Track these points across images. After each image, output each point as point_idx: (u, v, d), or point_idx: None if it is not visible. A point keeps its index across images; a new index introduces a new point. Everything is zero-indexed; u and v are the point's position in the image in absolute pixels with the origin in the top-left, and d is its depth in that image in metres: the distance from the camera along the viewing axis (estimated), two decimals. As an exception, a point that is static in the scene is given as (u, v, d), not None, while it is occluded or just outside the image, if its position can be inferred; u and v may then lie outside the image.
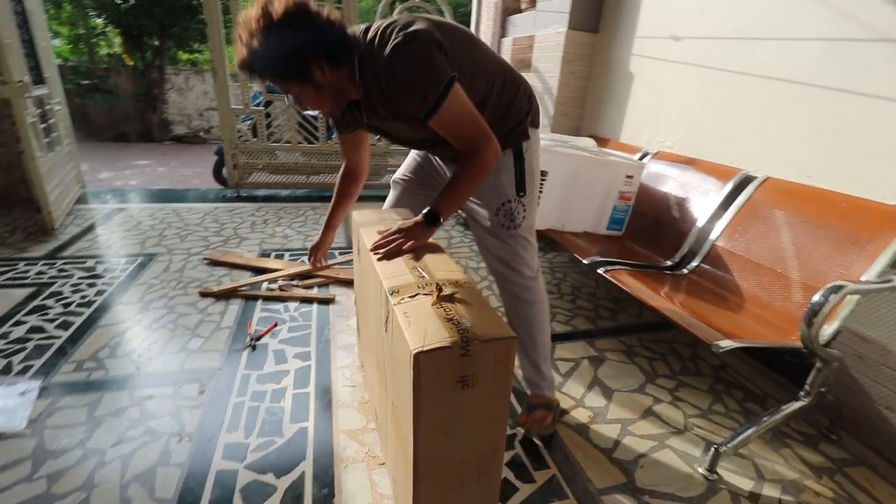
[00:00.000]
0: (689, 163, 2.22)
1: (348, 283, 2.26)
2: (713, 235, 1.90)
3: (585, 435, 1.41)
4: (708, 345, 1.22)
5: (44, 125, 2.96)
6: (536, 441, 1.37)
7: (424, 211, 1.16)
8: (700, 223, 1.98)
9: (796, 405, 1.35)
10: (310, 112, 3.28)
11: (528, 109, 1.30)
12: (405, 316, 0.86)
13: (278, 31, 0.98)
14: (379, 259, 1.10)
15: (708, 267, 1.86)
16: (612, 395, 1.60)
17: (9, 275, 2.21)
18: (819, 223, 1.58)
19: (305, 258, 2.28)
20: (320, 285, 2.27)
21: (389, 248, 1.11)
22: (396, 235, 1.14)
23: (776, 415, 1.34)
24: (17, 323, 1.81)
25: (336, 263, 2.48)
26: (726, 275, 1.77)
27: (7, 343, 1.68)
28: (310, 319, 1.97)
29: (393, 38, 1.03)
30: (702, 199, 2.04)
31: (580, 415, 1.50)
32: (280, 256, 2.58)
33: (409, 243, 1.12)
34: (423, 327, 0.82)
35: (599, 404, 1.55)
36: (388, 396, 1.05)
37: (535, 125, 1.33)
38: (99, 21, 7.92)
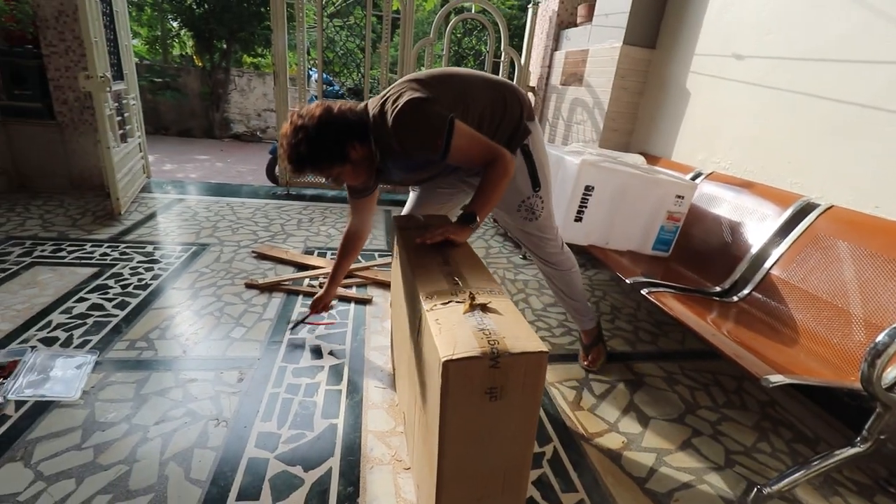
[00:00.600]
0: (746, 185, 2.12)
1: (386, 285, 2.29)
2: (768, 263, 1.80)
3: (617, 461, 1.36)
4: (756, 378, 1.15)
5: (119, 118, 3.19)
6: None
7: (462, 212, 1.29)
8: (754, 250, 1.88)
9: (851, 451, 1.25)
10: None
11: (521, 109, 1.43)
12: (436, 323, 0.86)
13: (317, 135, 1.21)
14: (418, 244, 1.21)
15: (760, 296, 1.77)
16: (649, 423, 1.54)
17: (77, 254, 2.38)
18: (887, 257, 1.47)
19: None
20: (359, 285, 2.31)
21: (434, 239, 1.22)
22: (436, 230, 1.25)
23: (828, 459, 1.24)
24: (81, 299, 1.94)
25: (375, 265, 2.52)
26: (780, 305, 1.68)
27: (70, 317, 1.80)
28: (347, 318, 2.00)
29: (391, 111, 1.22)
30: (757, 225, 1.94)
31: (613, 439, 1.45)
32: (323, 254, 2.65)
33: (447, 236, 1.23)
34: (454, 335, 0.81)
35: (634, 430, 1.50)
36: (416, 402, 1.06)
37: (531, 118, 1.47)
38: (174, 24, 8.47)
